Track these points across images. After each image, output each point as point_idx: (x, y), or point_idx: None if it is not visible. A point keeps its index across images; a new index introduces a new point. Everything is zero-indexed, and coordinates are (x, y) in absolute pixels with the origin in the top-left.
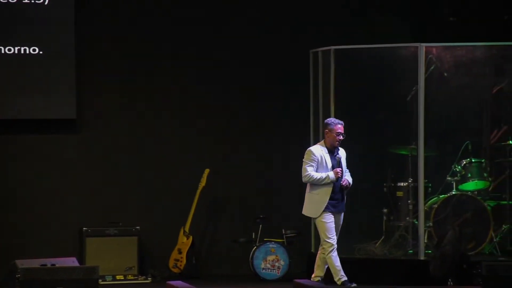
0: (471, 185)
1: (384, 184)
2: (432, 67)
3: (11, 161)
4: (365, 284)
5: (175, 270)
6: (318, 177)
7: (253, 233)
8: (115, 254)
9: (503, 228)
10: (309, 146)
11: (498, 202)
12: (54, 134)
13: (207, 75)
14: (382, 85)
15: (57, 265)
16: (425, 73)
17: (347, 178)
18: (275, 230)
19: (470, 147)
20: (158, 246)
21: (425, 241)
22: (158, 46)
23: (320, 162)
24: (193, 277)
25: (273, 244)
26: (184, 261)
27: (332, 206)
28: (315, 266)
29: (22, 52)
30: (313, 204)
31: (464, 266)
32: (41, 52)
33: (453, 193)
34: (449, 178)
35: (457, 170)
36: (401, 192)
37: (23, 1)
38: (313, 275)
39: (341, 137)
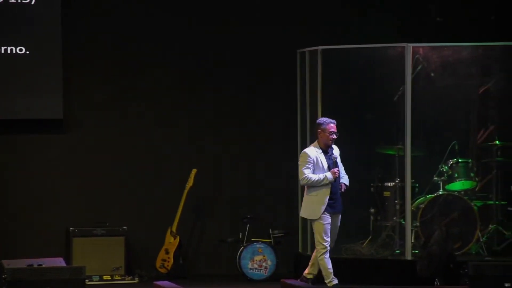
0: (458, 185)
1: (371, 184)
2: (419, 67)
3: None
4: (352, 284)
5: (162, 270)
6: (316, 179)
7: (240, 233)
8: (102, 254)
9: (489, 228)
10: (296, 146)
11: (485, 202)
12: (40, 134)
13: (194, 75)
14: (369, 85)
15: (44, 265)
16: (412, 73)
17: (344, 181)
18: (262, 230)
19: (457, 147)
20: (145, 246)
21: (412, 241)
22: (145, 46)
23: (316, 163)
24: (180, 277)
25: (260, 244)
26: (171, 261)
27: (329, 207)
28: (310, 263)
29: (9, 52)
30: (312, 206)
31: (451, 266)
32: (27, 52)
33: (440, 193)
34: (436, 178)
35: (444, 170)
36: (388, 192)
37: (10, 1)
38: (306, 271)
39: (334, 136)
